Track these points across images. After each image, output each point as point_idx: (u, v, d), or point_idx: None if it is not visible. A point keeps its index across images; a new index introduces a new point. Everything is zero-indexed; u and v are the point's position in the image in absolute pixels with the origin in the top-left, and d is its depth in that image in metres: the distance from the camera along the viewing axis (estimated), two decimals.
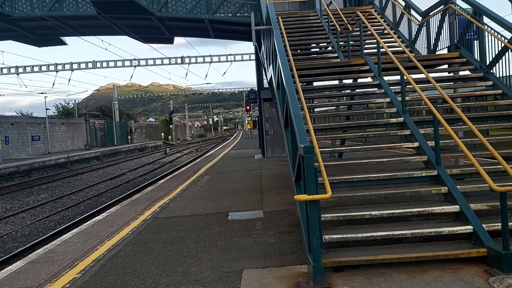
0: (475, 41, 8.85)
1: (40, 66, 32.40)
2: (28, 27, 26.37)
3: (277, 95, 8.69)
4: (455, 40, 9.41)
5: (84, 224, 8.86)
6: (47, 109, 40.36)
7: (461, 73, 9.11)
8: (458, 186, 5.71)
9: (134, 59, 32.70)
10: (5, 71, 31.57)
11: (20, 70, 32.08)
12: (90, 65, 32.10)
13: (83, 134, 44.08)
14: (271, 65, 10.23)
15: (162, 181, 15.66)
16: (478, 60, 8.67)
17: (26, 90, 67.78)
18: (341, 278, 4.60)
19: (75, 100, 62.02)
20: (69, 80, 36.17)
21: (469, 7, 8.89)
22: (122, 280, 5.07)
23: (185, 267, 5.39)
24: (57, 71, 32.24)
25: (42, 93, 40.92)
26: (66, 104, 60.99)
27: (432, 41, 10.14)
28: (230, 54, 31.58)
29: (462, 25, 9.24)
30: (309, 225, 4.61)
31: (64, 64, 32.51)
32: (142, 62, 32.87)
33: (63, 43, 31.20)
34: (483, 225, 5.03)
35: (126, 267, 5.53)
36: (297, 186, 5.90)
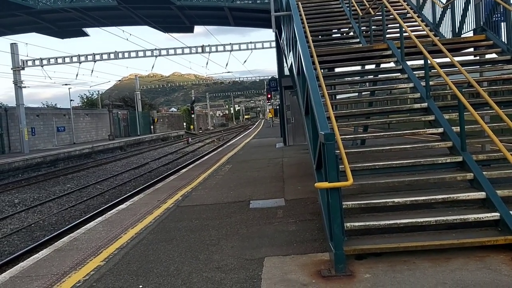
0: (502, 23, 8.57)
1: (64, 58, 32.77)
2: (51, 19, 26.79)
3: (298, 82, 8.59)
4: (481, 23, 9.12)
5: (108, 212, 9.00)
6: (71, 100, 41.07)
7: (487, 56, 8.85)
8: (484, 172, 5.56)
9: (155, 49, 32.80)
10: (29, 63, 32.09)
11: (44, 62, 32.54)
12: (112, 56, 32.32)
13: (107, 124, 44.77)
14: (291, 52, 10.12)
15: (184, 170, 15.78)
16: (506, 42, 8.39)
17: (51, 81, 69.08)
18: (363, 266, 4.56)
19: (98, 91, 63.09)
20: (92, 71, 37.01)
21: None
22: (145, 267, 5.13)
23: (207, 254, 5.42)
24: (80, 62, 32.57)
25: (66, 84, 41.58)
26: (90, 95, 62.20)
27: (457, 24, 9.85)
28: (250, 42, 31.24)
29: (488, 7, 8.95)
30: (330, 213, 4.57)
31: (87, 55, 32.83)
32: (163, 52, 32.94)
33: (85, 34, 31.62)
34: (511, 212, 4.90)
35: (149, 255, 5.60)
36: (318, 174, 5.84)
